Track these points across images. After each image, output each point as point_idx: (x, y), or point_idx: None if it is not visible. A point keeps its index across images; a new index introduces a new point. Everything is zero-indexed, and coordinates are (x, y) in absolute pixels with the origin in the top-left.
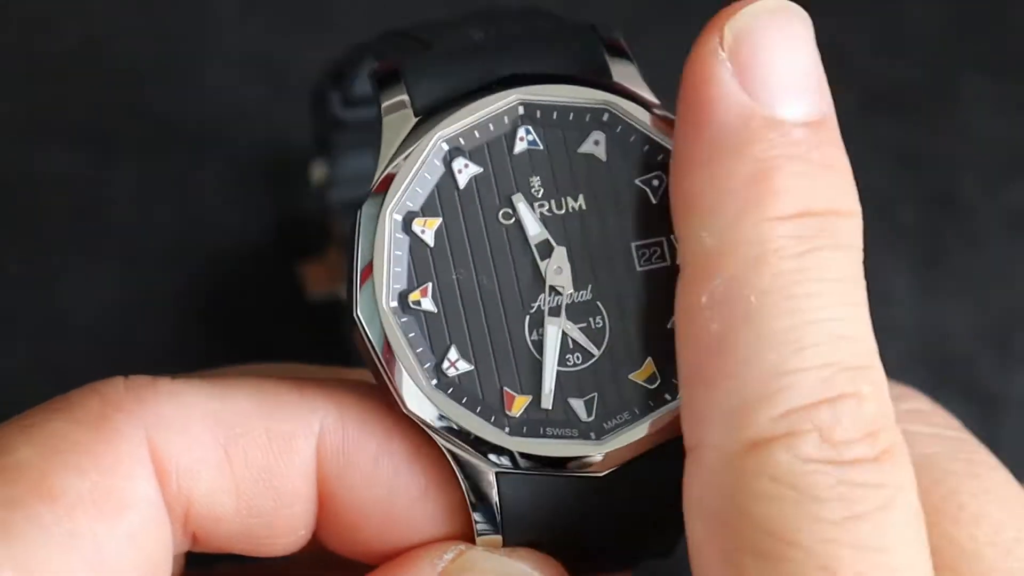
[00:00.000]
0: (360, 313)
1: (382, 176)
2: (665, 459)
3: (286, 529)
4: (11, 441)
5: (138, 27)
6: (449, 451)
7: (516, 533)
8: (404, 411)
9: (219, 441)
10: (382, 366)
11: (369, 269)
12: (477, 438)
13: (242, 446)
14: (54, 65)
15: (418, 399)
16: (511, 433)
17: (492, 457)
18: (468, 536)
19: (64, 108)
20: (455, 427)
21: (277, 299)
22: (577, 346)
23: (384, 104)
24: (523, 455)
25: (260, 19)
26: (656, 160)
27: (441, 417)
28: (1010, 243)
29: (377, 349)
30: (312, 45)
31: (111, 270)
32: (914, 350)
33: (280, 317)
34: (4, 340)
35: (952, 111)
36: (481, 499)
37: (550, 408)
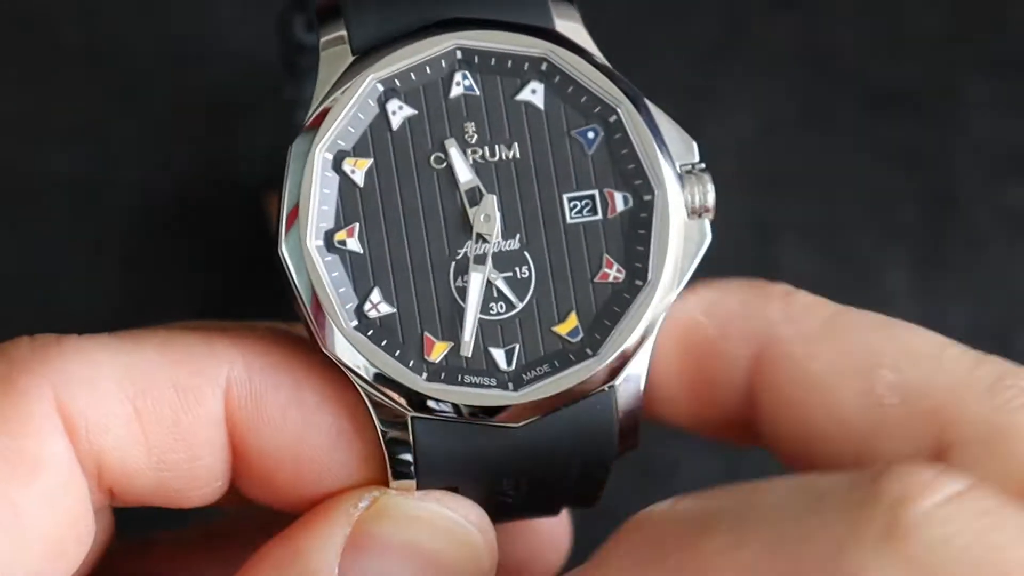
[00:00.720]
0: (285, 251)
1: (315, 113)
2: (581, 415)
3: (200, 481)
4: None
5: (138, 27)
6: (365, 394)
7: (431, 479)
8: (324, 351)
9: (127, 396)
10: (303, 305)
11: (296, 208)
12: (394, 382)
13: (150, 400)
14: (54, 65)
15: (339, 340)
16: (429, 379)
17: (408, 402)
18: (383, 482)
19: (64, 108)
20: (373, 370)
21: (276, 300)
22: (501, 295)
23: (323, 39)
24: (439, 401)
25: (260, 19)
26: (593, 112)
27: (359, 358)
28: (1010, 243)
29: (300, 288)
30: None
31: (111, 270)
32: None
33: (281, 317)
34: (4, 340)
35: (952, 111)
36: (396, 444)
37: (469, 356)
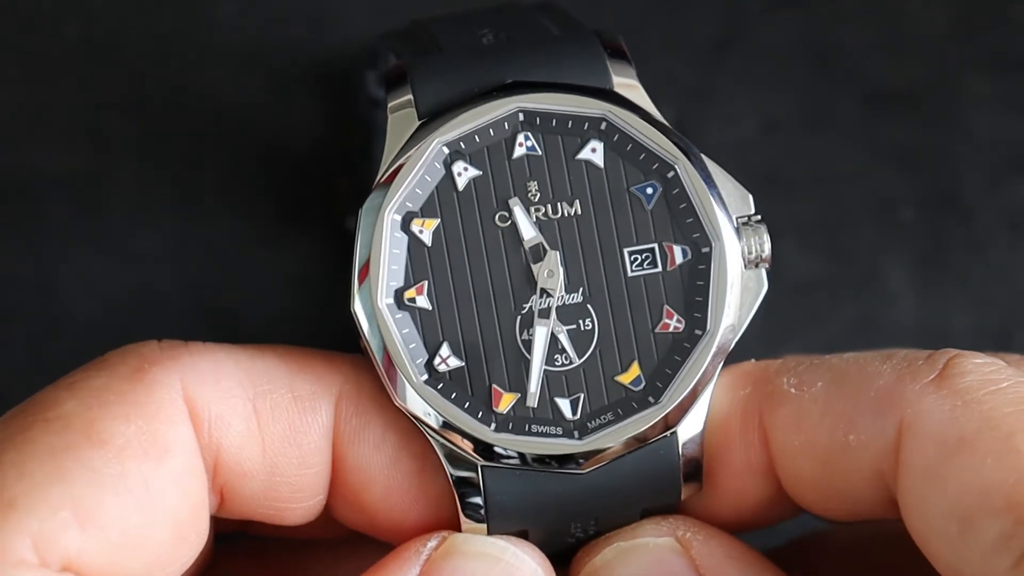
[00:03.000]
0: (357, 308)
1: (384, 176)
2: (645, 460)
3: (305, 492)
4: (56, 396)
5: (138, 27)
6: (436, 443)
7: (500, 524)
8: (396, 404)
9: (248, 396)
10: (376, 360)
11: (367, 267)
12: (463, 432)
13: (269, 402)
14: (54, 65)
15: (409, 393)
16: (497, 429)
17: (477, 452)
18: (456, 524)
19: (64, 108)
20: (443, 422)
21: (276, 299)
22: (565, 347)
23: (391, 104)
24: (507, 449)
25: (260, 19)
26: (651, 168)
27: (429, 410)
28: (1011, 243)
29: (371, 344)
30: (312, 45)
31: (111, 269)
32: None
33: (281, 316)
34: (4, 340)
35: (953, 111)
36: (467, 488)
37: (535, 406)
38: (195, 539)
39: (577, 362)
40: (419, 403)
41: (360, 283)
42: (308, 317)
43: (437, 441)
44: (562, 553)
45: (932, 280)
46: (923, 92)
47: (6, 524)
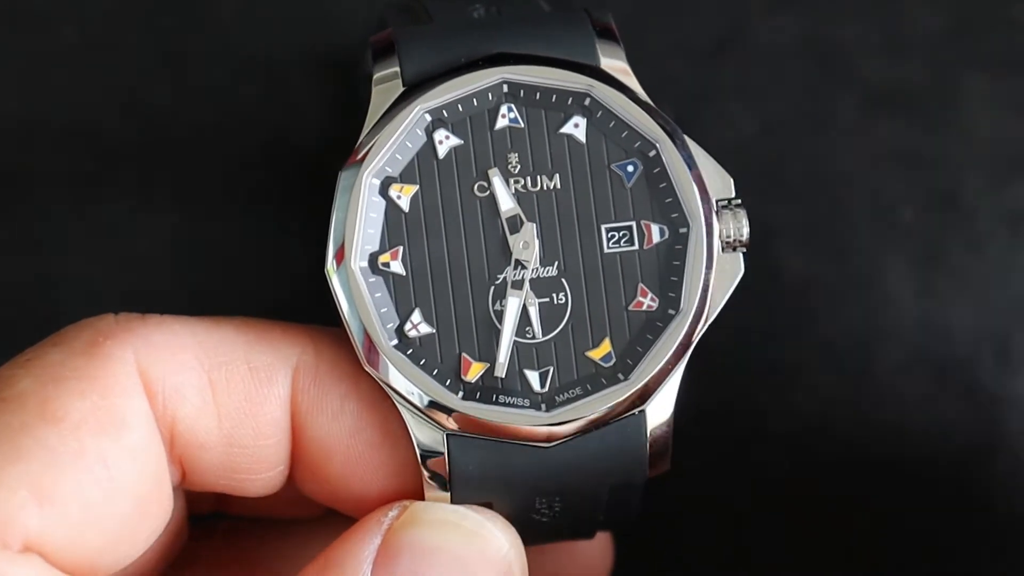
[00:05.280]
0: (331, 270)
1: (364, 139)
2: (612, 437)
3: (265, 463)
4: (11, 374)
5: (138, 27)
6: (403, 409)
7: (464, 493)
8: (364, 368)
9: (203, 367)
10: (346, 323)
11: (343, 227)
12: (431, 400)
13: (224, 373)
14: (54, 65)
15: (378, 357)
16: (464, 398)
17: (443, 419)
18: (419, 494)
19: (64, 108)
20: (410, 387)
21: (277, 299)
22: (532, 322)
23: (376, 75)
24: (473, 420)
25: (260, 18)
26: (633, 146)
27: (398, 376)
28: (1011, 243)
29: (343, 306)
30: (312, 44)
31: (110, 270)
32: (914, 351)
33: (282, 315)
34: (4, 340)
35: (953, 111)
36: (431, 457)
37: (504, 376)
38: (158, 511)
39: (548, 335)
40: (388, 368)
41: (336, 246)
42: (309, 317)
43: (402, 406)
44: (527, 531)
45: (932, 280)
46: (923, 92)
47: None
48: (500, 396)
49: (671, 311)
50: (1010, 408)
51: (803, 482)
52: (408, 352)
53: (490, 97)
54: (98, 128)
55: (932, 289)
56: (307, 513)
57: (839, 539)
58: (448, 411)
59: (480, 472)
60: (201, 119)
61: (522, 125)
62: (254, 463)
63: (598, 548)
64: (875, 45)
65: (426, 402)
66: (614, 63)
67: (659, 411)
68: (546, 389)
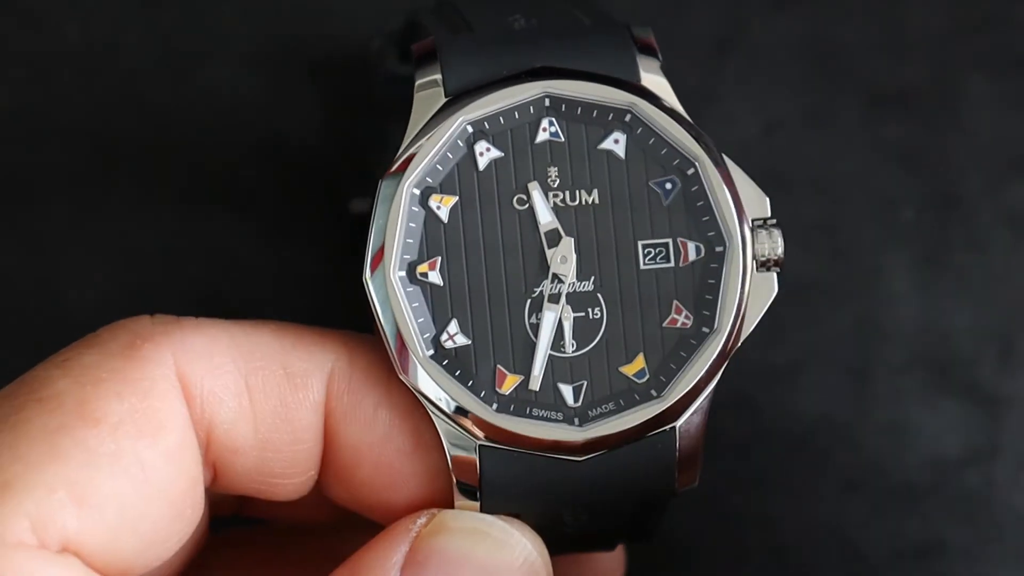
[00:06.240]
0: (368, 278)
1: (406, 149)
2: (642, 452)
3: (297, 468)
4: (48, 375)
5: (138, 26)
6: (436, 419)
7: (493, 503)
8: (400, 377)
9: (240, 371)
10: (383, 332)
11: (382, 236)
12: (463, 409)
13: (261, 378)
14: (54, 65)
15: (413, 367)
16: (498, 410)
17: (476, 430)
18: (447, 503)
19: (64, 108)
20: (445, 397)
21: (277, 298)
22: (566, 336)
23: (418, 81)
24: (506, 432)
25: (260, 18)
26: (672, 164)
27: (433, 387)
28: (1012, 243)
29: (380, 315)
30: (313, 43)
31: (111, 269)
32: (915, 350)
33: (282, 315)
34: (4, 340)
35: (954, 111)
36: (463, 467)
37: (538, 390)
38: (191, 514)
39: (583, 349)
40: (423, 378)
41: (374, 254)
42: (309, 316)
43: (436, 416)
44: (554, 542)
45: (932, 280)
46: (923, 92)
47: (3, 507)
48: (534, 409)
49: (705, 329)
50: (1011, 408)
51: (803, 482)
52: (444, 363)
53: (531, 110)
54: (99, 128)
55: (932, 289)
56: (325, 518)
57: (839, 539)
58: (481, 422)
59: (510, 483)
60: (201, 118)
61: (562, 139)
62: (286, 467)
63: (612, 556)
64: (876, 45)
65: (458, 411)
66: (654, 79)
67: (690, 428)
68: (579, 403)
